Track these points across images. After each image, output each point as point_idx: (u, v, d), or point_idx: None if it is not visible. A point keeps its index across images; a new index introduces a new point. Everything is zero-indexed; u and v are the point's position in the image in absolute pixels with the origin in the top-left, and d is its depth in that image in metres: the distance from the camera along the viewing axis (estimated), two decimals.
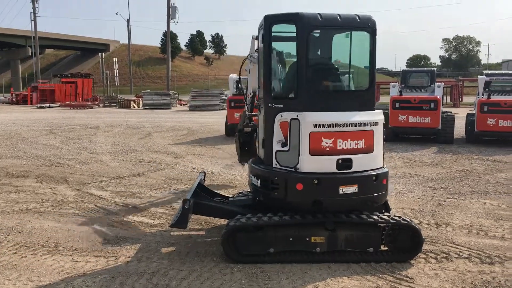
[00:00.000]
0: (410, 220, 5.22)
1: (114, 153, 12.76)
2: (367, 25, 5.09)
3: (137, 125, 20.79)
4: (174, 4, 41.21)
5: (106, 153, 12.80)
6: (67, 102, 39.40)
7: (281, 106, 5.08)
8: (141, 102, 36.81)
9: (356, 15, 5.11)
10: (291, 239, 5.01)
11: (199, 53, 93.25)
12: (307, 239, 5.00)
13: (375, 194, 5.04)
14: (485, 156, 11.91)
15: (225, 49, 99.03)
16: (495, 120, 13.36)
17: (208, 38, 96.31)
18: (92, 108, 37.33)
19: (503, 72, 20.56)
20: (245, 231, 5.02)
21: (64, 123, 22.50)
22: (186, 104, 36.73)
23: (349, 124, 4.89)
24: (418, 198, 7.75)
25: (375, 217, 5.02)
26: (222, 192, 7.05)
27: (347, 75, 5.41)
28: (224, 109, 28.40)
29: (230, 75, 17.48)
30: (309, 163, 4.89)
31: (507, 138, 13.92)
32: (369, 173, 4.99)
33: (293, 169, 4.93)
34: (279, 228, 5.02)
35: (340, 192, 4.87)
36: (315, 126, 4.84)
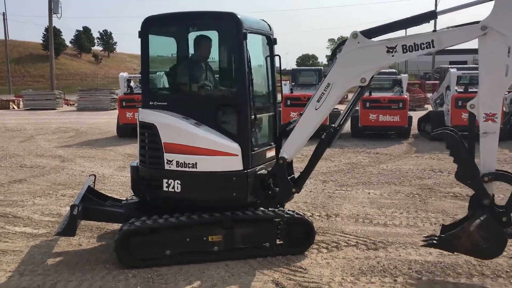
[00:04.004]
0: (303, 213, 5.43)
1: None
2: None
3: (17, 128, 19.12)
4: None
5: None
6: None
7: None
8: (21, 103, 33.93)
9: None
10: (188, 240, 4.94)
11: (87, 51, 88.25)
12: (204, 238, 4.97)
13: None
14: (369, 149, 12.81)
15: (114, 46, 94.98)
16: (376, 116, 14.42)
17: (96, 34, 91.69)
18: None
19: (381, 70, 22.28)
20: (140, 235, 4.85)
21: None
22: (73, 104, 34.61)
23: None
24: (310, 191, 8.08)
25: (270, 212, 5.13)
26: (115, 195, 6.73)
27: None
28: (115, 109, 27.24)
29: (121, 74, 16.79)
30: None
31: (387, 131, 15.10)
32: None
33: None
34: (176, 230, 4.92)
35: None
36: None
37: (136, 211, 5.34)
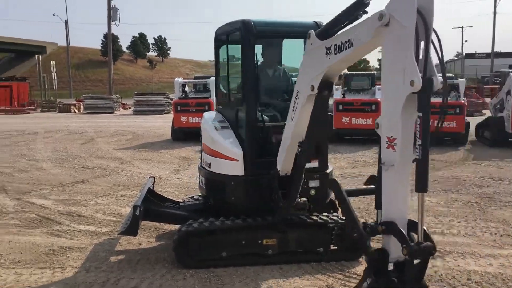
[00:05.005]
0: None
1: (55, 160, 12.28)
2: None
3: (78, 130, 20.11)
4: (115, 5, 40.32)
5: (47, 160, 12.30)
6: (2, 107, 37.36)
7: None
8: (82, 107, 35.58)
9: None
10: (243, 242, 5.03)
11: (142, 56, 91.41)
12: (259, 241, 5.03)
13: None
14: None
15: (168, 51, 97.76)
16: (431, 121, 13.98)
17: (150, 40, 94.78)
18: (29, 113, 35.64)
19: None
20: (198, 236, 5.00)
21: None
22: (129, 108, 35.91)
23: None
24: (363, 197, 8.00)
25: (324, 218, 5.15)
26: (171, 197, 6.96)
27: None
28: (169, 112, 28.05)
29: (176, 79, 17.30)
30: None
31: (443, 137, 14.60)
32: None
33: None
34: (231, 232, 5.04)
35: None
36: None
37: (193, 213, 5.53)
